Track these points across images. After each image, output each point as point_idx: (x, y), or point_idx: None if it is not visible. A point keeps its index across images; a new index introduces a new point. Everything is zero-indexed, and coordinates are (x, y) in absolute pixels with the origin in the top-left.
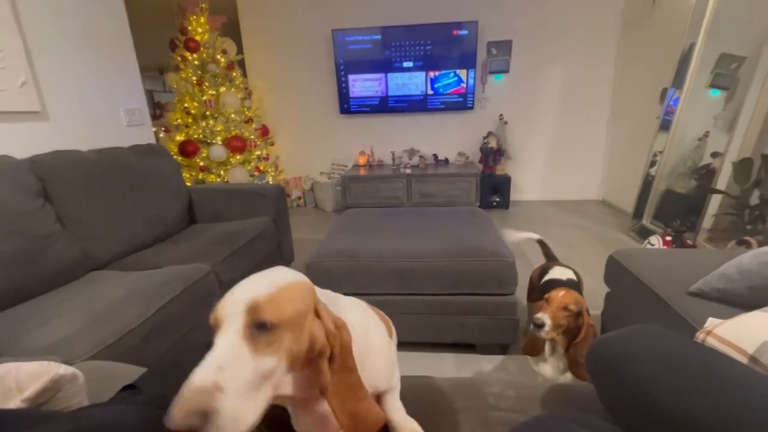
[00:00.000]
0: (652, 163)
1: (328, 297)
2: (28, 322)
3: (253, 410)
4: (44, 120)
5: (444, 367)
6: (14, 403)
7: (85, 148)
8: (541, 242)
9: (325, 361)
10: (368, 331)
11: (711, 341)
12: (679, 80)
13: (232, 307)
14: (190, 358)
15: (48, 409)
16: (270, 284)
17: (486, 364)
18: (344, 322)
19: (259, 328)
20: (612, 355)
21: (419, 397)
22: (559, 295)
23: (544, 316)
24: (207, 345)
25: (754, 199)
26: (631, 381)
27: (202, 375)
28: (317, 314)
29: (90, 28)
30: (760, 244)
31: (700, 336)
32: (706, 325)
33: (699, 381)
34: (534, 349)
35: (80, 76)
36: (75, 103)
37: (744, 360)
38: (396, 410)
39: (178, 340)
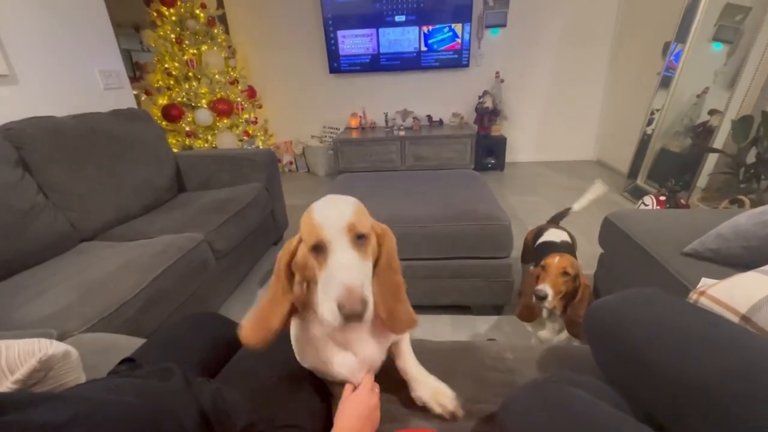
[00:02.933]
0: (650, 122)
1: None
2: (19, 296)
3: (371, 296)
4: (13, 83)
5: (440, 328)
6: (5, 384)
7: (60, 113)
8: (567, 210)
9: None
10: None
11: (704, 301)
12: (682, 34)
13: (335, 229)
14: (186, 328)
15: (42, 390)
16: (347, 206)
17: (481, 324)
18: (387, 228)
19: (358, 239)
20: (609, 318)
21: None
22: (555, 261)
23: (546, 288)
24: (202, 315)
25: (751, 158)
26: (628, 343)
27: (355, 279)
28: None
29: None
30: (753, 203)
31: (693, 296)
32: (700, 285)
33: (698, 343)
34: (530, 314)
35: (49, 35)
36: (45, 65)
37: (736, 319)
38: (413, 364)
39: (173, 310)
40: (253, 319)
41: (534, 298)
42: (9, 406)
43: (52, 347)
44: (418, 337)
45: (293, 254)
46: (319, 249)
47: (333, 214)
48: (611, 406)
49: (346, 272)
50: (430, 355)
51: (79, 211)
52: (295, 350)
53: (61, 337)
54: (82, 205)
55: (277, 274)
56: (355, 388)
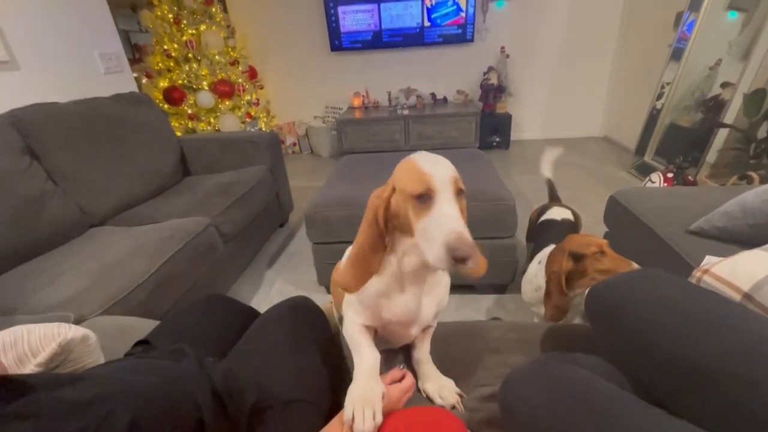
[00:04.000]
0: (659, 96)
1: None
2: (34, 281)
3: None
4: (14, 69)
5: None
6: (29, 367)
7: (61, 98)
8: (549, 182)
9: None
10: None
11: (707, 279)
12: (695, 2)
13: (442, 181)
14: (198, 310)
15: (64, 371)
16: (448, 162)
17: (485, 303)
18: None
19: (458, 194)
20: (611, 299)
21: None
22: (600, 241)
23: None
24: (213, 297)
25: (762, 132)
26: (628, 324)
27: (463, 227)
28: None
29: None
30: (762, 179)
31: (696, 274)
32: (704, 263)
33: (699, 325)
34: (563, 314)
35: (46, 19)
36: (45, 50)
37: (737, 297)
38: (427, 359)
39: (183, 293)
40: (352, 268)
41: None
42: (39, 387)
43: (71, 331)
44: None
45: (387, 201)
46: (424, 198)
47: (441, 167)
48: (612, 384)
49: (455, 220)
50: (436, 337)
51: (87, 197)
52: (356, 301)
53: (77, 321)
54: (90, 190)
55: (373, 221)
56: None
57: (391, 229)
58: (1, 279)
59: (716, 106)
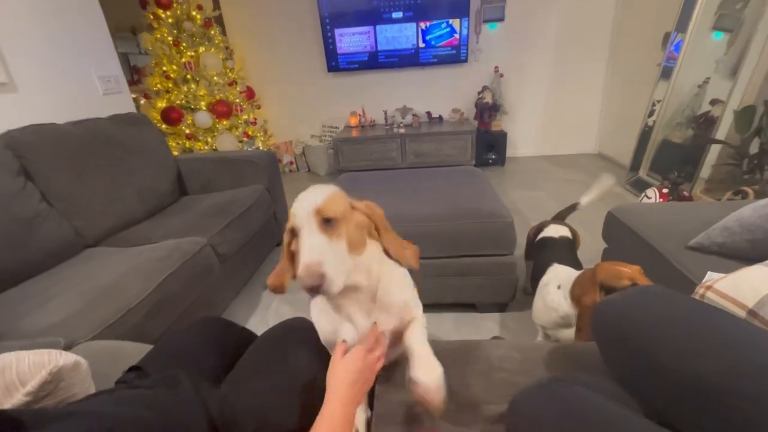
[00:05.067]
0: (651, 113)
1: None
2: (25, 304)
3: (344, 274)
4: (12, 91)
5: (444, 326)
6: (17, 397)
7: (60, 120)
8: (574, 205)
9: (373, 231)
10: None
11: (710, 296)
12: (682, 23)
13: (305, 214)
14: (193, 334)
15: (53, 401)
16: (320, 194)
17: (486, 322)
18: (372, 203)
19: (326, 222)
20: (616, 317)
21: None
22: (635, 269)
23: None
24: (209, 320)
25: (754, 148)
26: (635, 343)
27: (314, 257)
28: (353, 207)
29: None
30: (757, 194)
31: (699, 291)
32: (705, 279)
33: (704, 342)
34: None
35: (46, 41)
36: (44, 72)
37: (742, 313)
38: (419, 343)
39: (178, 315)
40: (273, 275)
41: None
42: (29, 424)
43: (62, 358)
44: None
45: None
46: (293, 233)
47: (302, 203)
48: (621, 405)
49: (307, 252)
50: (439, 354)
51: (82, 218)
52: (314, 322)
53: (68, 346)
54: (85, 211)
55: (286, 248)
56: (345, 351)
57: None
58: None
59: (707, 122)
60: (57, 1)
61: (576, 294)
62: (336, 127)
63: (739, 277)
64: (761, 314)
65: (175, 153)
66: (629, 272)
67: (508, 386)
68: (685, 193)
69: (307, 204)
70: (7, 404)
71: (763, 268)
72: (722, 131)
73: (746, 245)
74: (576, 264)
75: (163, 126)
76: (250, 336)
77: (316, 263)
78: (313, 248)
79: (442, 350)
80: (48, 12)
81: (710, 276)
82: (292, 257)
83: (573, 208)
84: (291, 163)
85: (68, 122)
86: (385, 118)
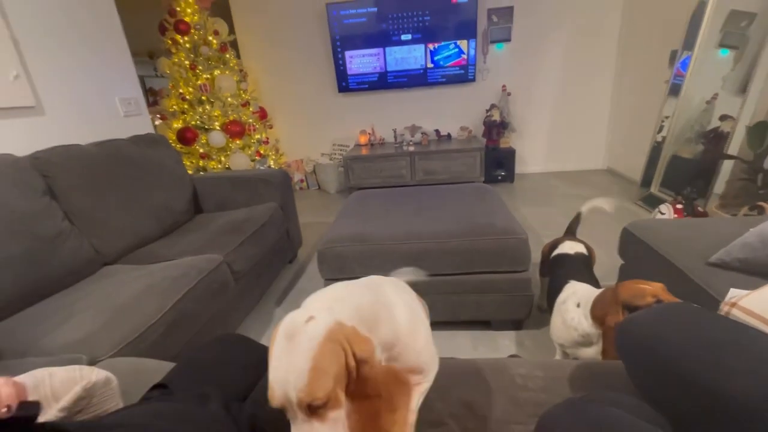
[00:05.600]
0: (660, 129)
1: (372, 298)
2: (47, 322)
3: None
4: (40, 115)
5: (461, 345)
6: (51, 413)
7: (83, 141)
8: (578, 215)
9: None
10: (414, 332)
11: (736, 313)
12: (689, 41)
13: (287, 403)
14: (214, 351)
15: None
16: (303, 365)
17: (502, 340)
18: (369, 355)
19: (317, 408)
20: (643, 333)
21: (448, 377)
22: (659, 286)
23: None
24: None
25: None
26: (663, 359)
27: None
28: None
29: (77, 16)
30: None
31: (724, 308)
32: (729, 296)
33: (739, 359)
34: None
35: (72, 67)
36: (70, 96)
37: None
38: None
39: (195, 332)
40: None
41: None
42: None
43: (94, 374)
44: (443, 355)
45: None
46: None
47: (283, 385)
48: (652, 425)
49: None
50: (459, 371)
51: (101, 236)
52: None
53: (90, 363)
54: (104, 229)
55: None
56: None
57: None
58: (13, 319)
59: (716, 138)
60: (84, 30)
61: (598, 314)
62: (346, 146)
63: (763, 293)
64: None
65: (189, 172)
66: (652, 289)
67: (533, 405)
68: (699, 209)
69: (285, 393)
70: (41, 420)
71: None
72: (734, 147)
73: None
74: (593, 281)
75: (178, 146)
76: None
77: None
78: None
79: (463, 369)
80: (75, 40)
81: (733, 293)
82: None
83: (578, 219)
84: (302, 181)
85: (91, 143)
86: (395, 137)
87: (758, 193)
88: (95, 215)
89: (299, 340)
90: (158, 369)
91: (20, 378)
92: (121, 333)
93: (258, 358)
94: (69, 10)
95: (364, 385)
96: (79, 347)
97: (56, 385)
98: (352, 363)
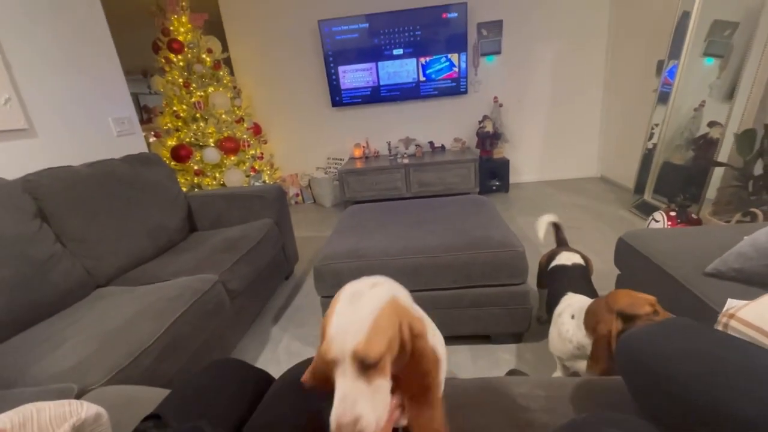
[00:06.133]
0: (650, 136)
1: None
2: (37, 349)
3: (383, 414)
4: (32, 137)
5: (460, 360)
6: None
7: (76, 162)
8: (555, 225)
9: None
10: (430, 322)
11: (734, 324)
12: (675, 51)
13: (340, 355)
14: (210, 377)
15: None
16: (364, 321)
17: (502, 354)
18: (422, 331)
19: (368, 367)
20: (644, 351)
21: (445, 398)
22: (647, 298)
23: None
24: (225, 363)
25: (758, 169)
26: (665, 378)
27: (348, 416)
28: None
29: (69, 38)
30: (766, 215)
31: (722, 320)
32: (727, 306)
33: (737, 376)
34: (609, 374)
35: (65, 89)
36: (62, 118)
37: None
38: None
39: (191, 354)
40: (310, 372)
41: None
42: None
43: (83, 410)
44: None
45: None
46: (331, 364)
47: (342, 336)
48: None
49: (341, 407)
50: (459, 392)
51: (94, 258)
52: None
53: (81, 392)
54: (97, 251)
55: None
56: None
57: None
58: (2, 346)
59: (706, 144)
60: (76, 51)
61: (590, 324)
62: (341, 159)
63: (762, 305)
64: None
65: (184, 189)
66: (647, 298)
67: (536, 427)
68: (693, 216)
69: (348, 338)
70: None
71: None
72: (724, 154)
73: (764, 270)
74: (591, 292)
75: (173, 163)
76: (267, 379)
77: (350, 422)
78: (347, 398)
79: (463, 389)
80: (68, 62)
81: (730, 303)
82: None
83: (559, 227)
84: (297, 195)
85: (83, 164)
86: (389, 149)
87: (750, 200)
88: (88, 237)
89: (364, 300)
90: (151, 398)
91: (5, 416)
92: (113, 359)
93: (254, 384)
94: (61, 32)
95: (419, 360)
96: (70, 376)
97: (44, 422)
98: (407, 334)
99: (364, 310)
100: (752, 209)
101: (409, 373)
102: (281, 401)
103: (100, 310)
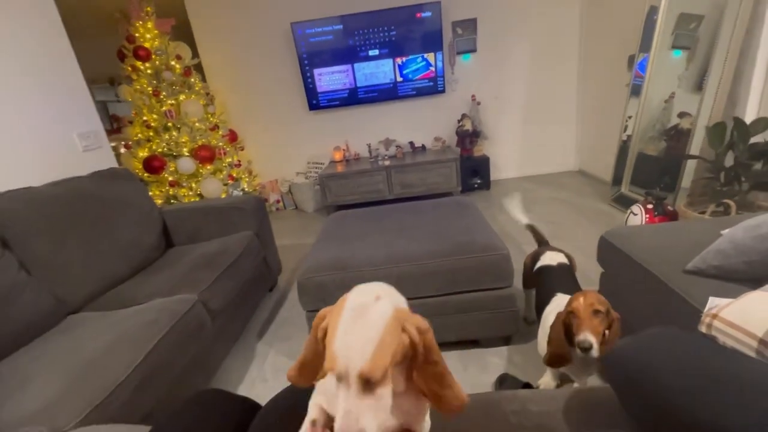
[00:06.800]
0: (625, 128)
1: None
2: (2, 388)
3: (385, 419)
4: None
5: (450, 365)
6: None
7: (39, 182)
8: (530, 227)
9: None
10: None
11: (718, 325)
12: (645, 44)
13: (345, 372)
14: (191, 414)
15: None
16: (370, 341)
17: (492, 358)
18: (428, 326)
19: (371, 383)
20: (632, 366)
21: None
22: (581, 301)
23: (588, 336)
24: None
25: (729, 161)
26: (656, 394)
27: (351, 425)
28: (404, 329)
29: (25, 49)
30: (738, 206)
31: (705, 320)
32: (708, 306)
33: (728, 391)
34: (562, 361)
35: (24, 105)
36: (22, 135)
37: (753, 343)
38: None
39: (172, 382)
40: (299, 371)
41: (579, 350)
42: None
43: None
44: None
45: (324, 331)
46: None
47: (347, 353)
48: None
49: (345, 422)
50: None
51: (64, 284)
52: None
53: None
54: (66, 276)
55: (314, 340)
56: None
57: None
58: None
59: (677, 134)
60: (35, 64)
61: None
62: (321, 163)
63: (743, 304)
64: None
65: (159, 201)
66: (581, 302)
67: None
68: (669, 208)
69: (349, 360)
70: None
71: (764, 294)
72: (696, 146)
73: (743, 267)
74: (578, 290)
75: (145, 175)
76: (253, 407)
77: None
78: (350, 414)
79: None
80: (25, 76)
81: (712, 302)
82: (318, 353)
83: (536, 229)
84: (278, 201)
85: (47, 183)
86: (369, 151)
87: (722, 190)
88: (55, 262)
89: (369, 317)
90: None
91: None
92: (87, 396)
93: (238, 415)
94: (15, 43)
95: (430, 352)
96: (39, 417)
97: None
98: (417, 336)
99: (370, 330)
100: (725, 200)
101: (423, 367)
102: None
103: (71, 341)
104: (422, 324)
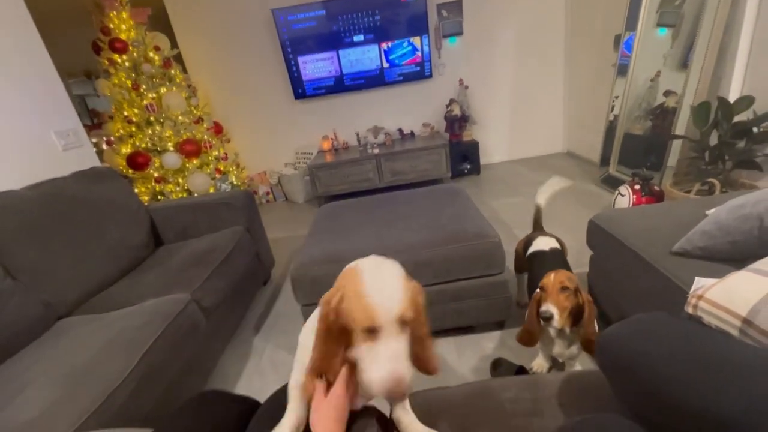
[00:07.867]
0: (612, 108)
1: None
2: None
3: (409, 364)
4: None
5: (445, 353)
6: None
7: (18, 186)
8: (538, 209)
9: None
10: None
11: (703, 305)
12: (631, 22)
13: (388, 316)
14: (190, 416)
15: None
16: (398, 287)
17: (486, 343)
18: (419, 289)
19: (404, 325)
20: (622, 352)
21: (431, 413)
22: (551, 278)
23: (550, 307)
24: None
25: (713, 140)
26: (646, 379)
27: (403, 368)
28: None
29: None
30: (722, 184)
31: (692, 301)
32: (694, 286)
33: (715, 376)
34: (531, 339)
35: None
36: None
37: (738, 323)
38: (404, 412)
39: (169, 384)
40: (315, 363)
41: (541, 321)
42: None
43: None
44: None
45: (336, 312)
46: (371, 331)
47: (389, 301)
48: None
49: (395, 362)
50: (445, 406)
51: (52, 288)
52: (301, 344)
53: None
54: (54, 280)
55: (326, 332)
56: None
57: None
58: None
59: (663, 113)
60: (3, 61)
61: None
62: (310, 153)
63: (728, 284)
64: (756, 323)
65: (145, 198)
66: (554, 279)
67: None
68: (656, 187)
69: (394, 304)
70: None
71: (748, 274)
72: (681, 125)
73: (728, 247)
74: None
75: (130, 172)
76: (250, 403)
77: (406, 374)
78: (400, 357)
79: (451, 399)
80: None
81: (698, 282)
82: (335, 338)
83: (539, 211)
84: (267, 193)
85: (26, 186)
86: (358, 140)
87: (707, 169)
88: (41, 267)
89: (387, 271)
90: None
91: None
92: (83, 402)
93: (238, 414)
94: None
95: (421, 313)
96: (35, 427)
97: None
98: (418, 288)
99: (393, 280)
100: (710, 179)
101: (414, 325)
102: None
103: (63, 346)
104: (419, 286)
